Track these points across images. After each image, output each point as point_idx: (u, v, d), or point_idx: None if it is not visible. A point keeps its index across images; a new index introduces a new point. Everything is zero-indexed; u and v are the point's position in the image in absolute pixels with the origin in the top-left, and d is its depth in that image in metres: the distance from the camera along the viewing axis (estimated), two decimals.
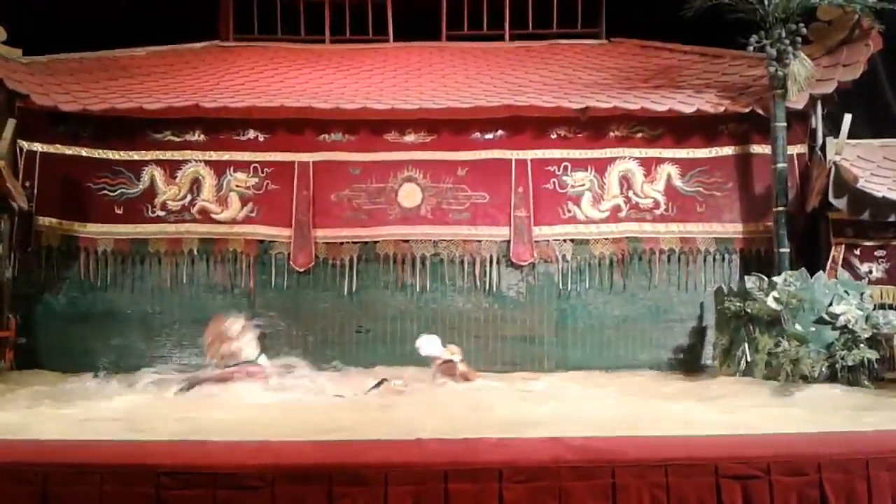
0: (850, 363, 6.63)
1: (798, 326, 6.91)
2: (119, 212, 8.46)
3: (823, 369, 6.69)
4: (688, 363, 8.17)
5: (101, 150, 8.50)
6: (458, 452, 3.84)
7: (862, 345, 6.70)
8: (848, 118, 7.70)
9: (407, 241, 8.49)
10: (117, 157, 8.52)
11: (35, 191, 8.30)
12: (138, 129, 8.50)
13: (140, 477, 3.58)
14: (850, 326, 6.79)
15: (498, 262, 8.45)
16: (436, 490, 3.57)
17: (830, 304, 6.93)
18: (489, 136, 8.59)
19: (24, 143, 8.31)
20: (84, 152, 8.49)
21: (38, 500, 3.58)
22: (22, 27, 8.58)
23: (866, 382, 6.55)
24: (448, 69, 9.59)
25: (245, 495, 3.55)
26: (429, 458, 3.75)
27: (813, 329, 6.90)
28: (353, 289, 8.41)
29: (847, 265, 7.86)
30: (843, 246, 7.94)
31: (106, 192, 8.47)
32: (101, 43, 9.49)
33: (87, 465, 3.65)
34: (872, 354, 6.66)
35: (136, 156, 8.53)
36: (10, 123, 7.88)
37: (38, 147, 8.39)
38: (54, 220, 8.38)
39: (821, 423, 4.84)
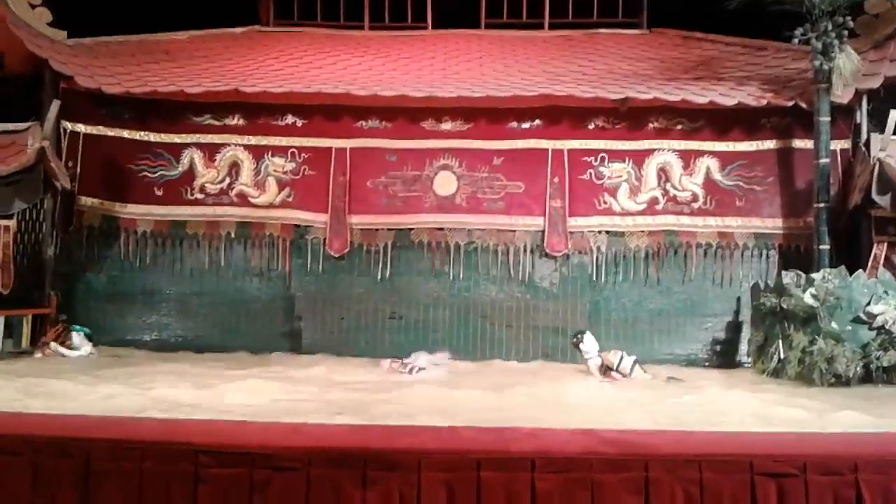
0: (885, 364, 6.52)
1: (834, 325, 6.80)
2: (159, 193, 8.60)
3: (858, 369, 6.57)
4: (723, 359, 8.09)
5: (142, 133, 8.65)
6: (491, 441, 3.85)
7: None
8: (894, 114, 7.52)
9: (441, 229, 8.51)
10: (158, 139, 8.65)
11: (78, 171, 8.46)
12: (179, 112, 8.62)
13: (179, 455, 3.67)
14: (888, 327, 6.66)
15: (532, 253, 8.45)
16: (468, 478, 3.60)
17: (868, 304, 6.80)
18: (526, 125, 8.56)
19: (67, 123, 8.46)
20: (126, 134, 8.64)
21: (80, 475, 3.67)
22: (67, 9, 8.70)
23: None
24: (486, 57, 9.55)
25: (281, 476, 3.61)
26: (462, 445, 3.77)
27: (849, 328, 6.78)
28: (388, 275, 8.46)
29: (889, 264, 7.67)
30: (886, 244, 7.76)
31: (146, 173, 8.61)
32: (143, 26, 9.63)
33: (129, 442, 3.73)
34: None
35: (176, 138, 8.65)
36: (55, 104, 8.01)
37: (81, 128, 8.55)
38: (96, 201, 8.54)
39: None
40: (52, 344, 7.68)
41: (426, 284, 8.47)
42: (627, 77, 8.76)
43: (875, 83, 7.86)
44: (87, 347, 7.79)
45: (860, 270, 7.19)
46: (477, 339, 8.36)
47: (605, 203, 8.43)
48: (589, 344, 7.12)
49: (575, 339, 7.23)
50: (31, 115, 8.08)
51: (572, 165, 8.45)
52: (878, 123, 7.83)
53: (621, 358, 6.97)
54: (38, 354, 7.60)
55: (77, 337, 7.77)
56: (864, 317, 6.77)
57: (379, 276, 8.46)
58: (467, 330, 8.39)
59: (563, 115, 8.47)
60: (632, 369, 6.90)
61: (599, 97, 8.20)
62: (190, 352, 8.09)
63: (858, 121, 8.13)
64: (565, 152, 8.47)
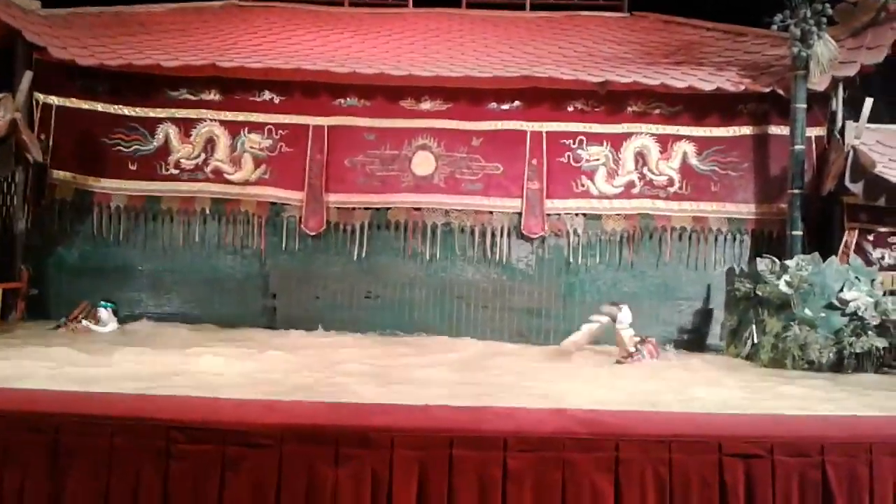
0: (857, 350, 6.63)
1: (808, 311, 6.89)
2: (133, 168, 8.49)
3: (831, 355, 6.68)
4: (694, 342, 8.16)
5: (116, 106, 8.52)
6: (464, 420, 3.87)
7: (871, 332, 6.69)
8: (869, 102, 7.59)
9: (419, 210, 8.48)
10: (133, 113, 8.53)
11: (50, 144, 8.34)
12: (154, 86, 8.50)
13: (150, 431, 3.63)
14: (860, 313, 6.76)
15: (508, 234, 8.44)
16: (441, 456, 3.61)
17: (841, 290, 6.91)
18: (505, 106, 8.52)
19: (40, 95, 8.33)
20: (100, 107, 8.51)
21: (49, 450, 3.64)
22: None
23: (870, 370, 6.56)
24: (467, 37, 9.49)
25: (254, 453, 3.59)
26: (435, 424, 3.78)
27: (822, 314, 6.88)
28: (364, 254, 8.43)
29: (860, 250, 7.81)
30: (857, 231, 7.90)
31: (120, 147, 8.49)
32: None
33: (99, 417, 3.70)
34: (881, 342, 6.65)
35: (151, 113, 8.53)
36: (27, 75, 7.86)
37: (54, 100, 8.42)
38: (68, 174, 8.42)
39: None
40: (84, 321, 7.69)
41: (402, 264, 8.45)
42: (608, 60, 8.74)
43: (851, 71, 7.90)
44: (113, 323, 7.78)
45: (833, 257, 7.30)
46: (452, 319, 8.37)
47: (583, 186, 8.43)
48: (625, 315, 7.11)
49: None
50: (3, 86, 7.90)
51: (551, 148, 8.44)
52: (854, 111, 7.87)
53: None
54: (63, 330, 7.57)
55: (104, 313, 7.76)
56: (837, 303, 6.87)
57: (355, 256, 8.42)
58: (443, 310, 8.40)
59: (542, 97, 8.45)
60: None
61: (579, 79, 8.19)
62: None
63: (834, 108, 8.17)
64: (544, 134, 8.46)
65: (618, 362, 6.82)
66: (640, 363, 6.77)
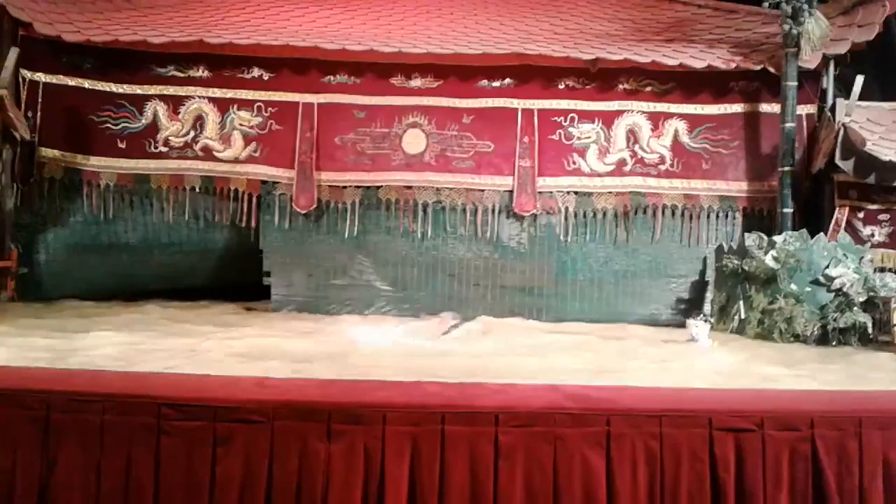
0: (841, 325, 6.71)
1: (794, 286, 6.96)
2: (122, 146, 8.37)
3: (816, 330, 6.76)
4: (685, 319, 8.09)
5: (103, 83, 8.39)
6: (456, 396, 3.88)
7: (855, 308, 6.77)
8: (860, 79, 7.60)
9: (410, 188, 8.42)
10: (120, 90, 8.40)
11: (38, 121, 8.23)
12: (142, 62, 8.38)
13: (141, 407, 3.64)
14: (845, 290, 6.84)
15: (500, 212, 8.40)
16: (433, 431, 3.63)
17: (828, 267, 6.98)
18: (496, 84, 8.45)
19: (26, 72, 8.20)
20: (87, 84, 8.38)
21: (40, 427, 3.64)
22: None
23: (854, 344, 6.65)
24: (457, 14, 9.42)
25: (245, 428, 3.60)
26: (427, 400, 3.79)
27: (808, 290, 6.95)
28: (356, 233, 8.38)
29: (850, 228, 7.85)
30: (847, 208, 7.93)
31: (109, 125, 8.37)
32: None
33: (89, 394, 3.70)
34: (865, 318, 6.73)
35: (139, 90, 8.40)
36: (13, 52, 7.77)
37: (40, 77, 8.28)
38: (57, 152, 8.30)
39: None
40: None
41: (394, 242, 8.41)
42: (599, 37, 8.69)
43: (843, 49, 7.89)
44: None
45: (821, 234, 7.36)
46: (444, 297, 8.36)
47: (574, 164, 8.40)
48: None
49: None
50: None
51: (542, 125, 8.39)
52: (844, 89, 7.88)
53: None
54: None
55: None
56: (822, 279, 6.94)
57: (346, 234, 8.37)
58: (435, 288, 8.39)
59: (533, 75, 8.38)
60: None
61: (570, 57, 8.13)
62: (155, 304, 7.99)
63: (825, 86, 8.16)
64: (535, 112, 8.40)
65: None
66: None
